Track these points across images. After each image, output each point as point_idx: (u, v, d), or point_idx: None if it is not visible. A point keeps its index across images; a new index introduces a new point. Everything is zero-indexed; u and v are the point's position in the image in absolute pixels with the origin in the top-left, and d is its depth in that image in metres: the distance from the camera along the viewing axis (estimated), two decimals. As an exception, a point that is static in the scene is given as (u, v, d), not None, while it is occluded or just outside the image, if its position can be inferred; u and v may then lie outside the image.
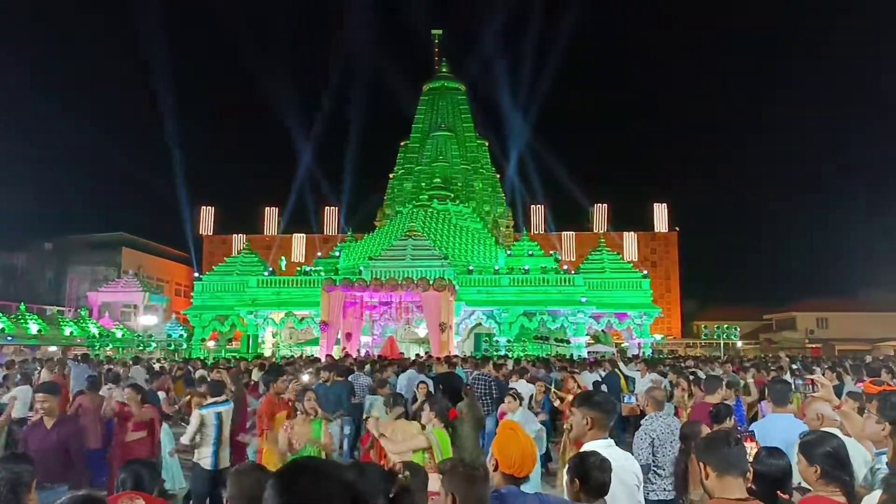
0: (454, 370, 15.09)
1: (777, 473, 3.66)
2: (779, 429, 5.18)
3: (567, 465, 3.45)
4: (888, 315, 59.64)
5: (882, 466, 3.83)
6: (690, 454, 5.32)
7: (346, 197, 76.61)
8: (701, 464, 3.18)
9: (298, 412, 6.98)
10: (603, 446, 3.81)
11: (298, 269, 49.19)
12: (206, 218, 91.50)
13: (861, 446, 4.43)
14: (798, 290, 71.29)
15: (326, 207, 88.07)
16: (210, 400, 8.04)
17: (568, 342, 39.72)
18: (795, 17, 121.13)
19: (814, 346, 55.56)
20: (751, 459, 3.61)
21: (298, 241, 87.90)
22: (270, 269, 45.74)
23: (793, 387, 6.33)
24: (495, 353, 30.71)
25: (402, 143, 64.03)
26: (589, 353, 36.10)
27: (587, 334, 42.19)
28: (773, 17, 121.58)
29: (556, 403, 10.83)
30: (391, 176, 63.11)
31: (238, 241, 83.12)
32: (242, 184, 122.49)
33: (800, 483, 3.79)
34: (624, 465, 3.85)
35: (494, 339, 39.35)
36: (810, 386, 5.49)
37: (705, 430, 5.38)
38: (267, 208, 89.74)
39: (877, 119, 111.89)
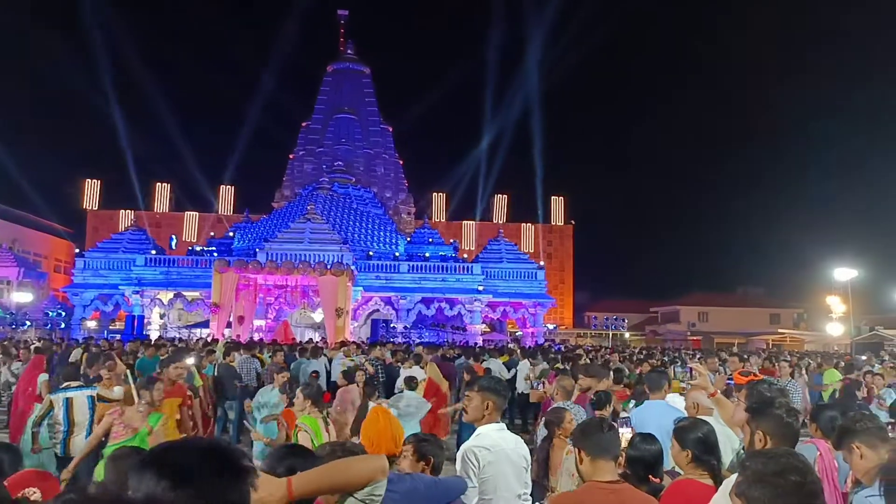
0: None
1: (649, 458, 3.83)
2: (654, 415, 5.36)
3: (409, 449, 3.52)
4: (762, 311, 64.09)
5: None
6: (553, 440, 5.49)
7: (242, 176, 74.47)
8: (576, 448, 3.30)
9: (143, 400, 6.37)
10: (496, 429, 3.96)
11: (190, 248, 47.42)
12: (91, 191, 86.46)
13: (731, 432, 4.63)
14: (683, 285, 74.99)
15: (222, 186, 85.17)
16: (64, 384, 7.55)
17: (464, 330, 40.24)
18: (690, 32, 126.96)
19: (695, 338, 58.67)
20: (625, 445, 3.78)
21: (191, 219, 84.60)
22: (159, 247, 43.95)
23: (671, 374, 6.60)
24: (392, 340, 30.71)
25: (303, 124, 62.77)
26: (484, 341, 36.67)
27: (483, 322, 42.85)
28: (673, 26, 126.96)
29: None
30: (291, 157, 61.80)
31: (125, 217, 79.11)
32: (132, 157, 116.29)
33: (673, 468, 3.93)
34: (515, 447, 4.00)
35: (392, 325, 39.35)
36: (689, 374, 5.71)
37: (568, 416, 5.56)
38: (158, 184, 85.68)
39: (756, 124, 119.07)
